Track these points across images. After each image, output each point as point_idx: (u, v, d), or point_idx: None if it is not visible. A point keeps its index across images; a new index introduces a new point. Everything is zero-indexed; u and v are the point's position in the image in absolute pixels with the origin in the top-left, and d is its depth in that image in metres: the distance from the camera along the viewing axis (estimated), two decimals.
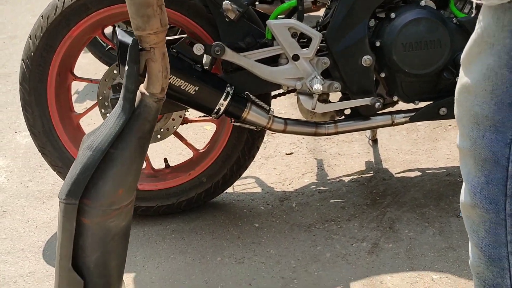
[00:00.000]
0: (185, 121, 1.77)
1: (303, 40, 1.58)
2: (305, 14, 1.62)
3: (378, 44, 1.55)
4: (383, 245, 1.56)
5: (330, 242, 1.59)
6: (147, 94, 1.11)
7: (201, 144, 1.99)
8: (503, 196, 0.75)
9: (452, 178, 1.82)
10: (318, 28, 1.61)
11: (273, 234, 1.65)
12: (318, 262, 1.52)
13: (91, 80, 1.81)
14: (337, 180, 1.88)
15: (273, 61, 1.58)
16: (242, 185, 1.89)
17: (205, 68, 1.58)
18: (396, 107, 1.70)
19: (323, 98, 1.63)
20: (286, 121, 1.63)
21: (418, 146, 2.03)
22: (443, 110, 1.60)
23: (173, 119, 1.70)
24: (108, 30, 1.92)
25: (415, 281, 1.42)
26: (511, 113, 0.72)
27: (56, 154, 1.70)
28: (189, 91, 1.53)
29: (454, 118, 0.82)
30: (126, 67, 1.10)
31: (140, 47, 1.08)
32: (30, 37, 1.63)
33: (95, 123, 2.22)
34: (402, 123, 1.65)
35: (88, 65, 2.87)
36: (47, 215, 1.82)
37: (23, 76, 1.65)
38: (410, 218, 1.66)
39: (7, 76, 2.92)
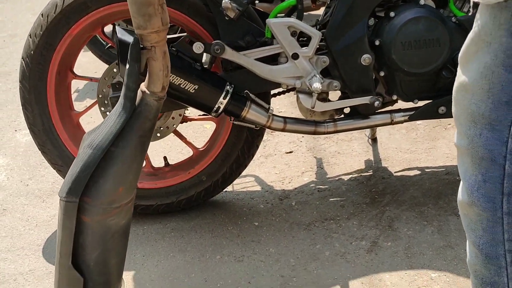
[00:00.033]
0: (185, 119, 1.77)
1: (303, 39, 1.58)
2: (304, 13, 1.63)
3: (377, 43, 1.55)
4: (382, 243, 1.56)
5: (329, 240, 1.59)
6: (148, 92, 1.12)
7: (201, 142, 1.99)
8: (500, 194, 0.76)
9: (451, 177, 1.82)
10: (318, 27, 1.61)
11: (273, 232, 1.65)
12: (317, 260, 1.52)
13: (90, 79, 1.81)
14: (337, 178, 1.89)
15: (272, 59, 1.59)
16: (242, 184, 1.90)
17: (204, 66, 1.58)
18: (396, 106, 1.70)
19: (323, 96, 1.63)
20: (285, 119, 1.64)
21: (417, 145, 2.03)
22: (442, 109, 1.60)
23: (173, 118, 1.71)
24: (108, 28, 1.93)
25: (414, 280, 1.43)
26: (507, 112, 0.72)
27: (56, 152, 1.70)
28: (188, 89, 1.53)
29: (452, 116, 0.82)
30: (127, 66, 1.10)
31: (141, 45, 1.09)
32: (30, 35, 1.63)
33: (95, 122, 2.23)
34: (401, 122, 1.65)
35: (88, 64, 2.88)
36: (47, 213, 1.83)
37: (23, 75, 1.65)
38: (409, 216, 1.66)
39: (7, 75, 2.93)
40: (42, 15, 1.61)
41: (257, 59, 1.56)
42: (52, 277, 1.53)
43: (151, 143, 1.30)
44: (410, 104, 1.65)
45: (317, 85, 1.52)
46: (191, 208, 1.77)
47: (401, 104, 1.70)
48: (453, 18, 1.55)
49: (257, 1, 2.43)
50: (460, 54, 0.78)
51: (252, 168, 1.96)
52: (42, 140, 1.70)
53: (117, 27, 1.57)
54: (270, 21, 1.54)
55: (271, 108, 1.61)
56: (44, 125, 1.68)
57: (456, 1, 1.61)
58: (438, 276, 1.43)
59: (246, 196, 1.84)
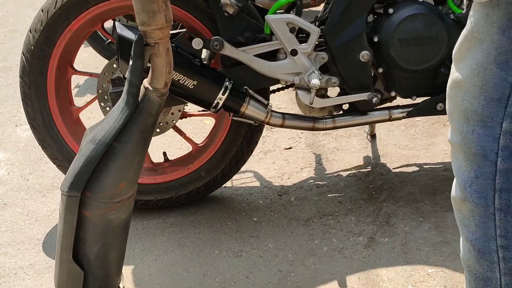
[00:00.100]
0: (184, 115, 1.78)
1: (302, 35, 1.58)
2: (304, 9, 1.63)
3: (376, 39, 1.56)
4: (379, 239, 1.57)
5: (327, 236, 1.60)
6: (151, 88, 1.13)
7: (200, 138, 2.00)
8: (492, 190, 0.76)
9: (449, 173, 1.83)
10: (317, 23, 1.62)
11: (271, 228, 1.66)
12: (315, 255, 1.53)
13: (91, 74, 1.82)
14: (335, 174, 1.89)
15: (271, 56, 1.59)
16: (241, 179, 1.91)
17: (204, 62, 1.59)
18: (394, 102, 1.71)
19: (321, 93, 1.64)
20: (284, 115, 1.64)
21: (416, 141, 2.04)
22: (440, 106, 1.60)
23: (172, 113, 1.71)
24: (108, 24, 1.93)
25: (411, 275, 1.44)
26: (499, 109, 0.73)
27: (56, 147, 1.71)
28: (188, 85, 1.54)
29: None
30: (131, 62, 1.11)
31: (144, 42, 1.09)
32: (30, 30, 1.64)
33: (95, 117, 2.24)
34: (400, 118, 1.66)
35: (89, 59, 2.88)
36: (47, 208, 1.84)
37: (23, 70, 1.66)
38: (406, 212, 1.67)
39: (8, 70, 2.94)
40: (42, 10, 1.62)
41: (256, 55, 1.56)
42: (52, 271, 1.55)
43: None
44: (408, 101, 1.66)
45: (315, 81, 1.53)
46: (190, 203, 1.78)
47: (399, 101, 1.71)
48: (451, 15, 1.55)
49: None
50: (454, 51, 0.79)
51: (251, 163, 1.97)
52: (42, 135, 1.71)
53: (116, 23, 1.57)
54: (269, 17, 1.54)
55: (269, 104, 1.61)
56: (44, 120, 1.69)
57: None
58: (435, 272, 1.44)
59: (245, 191, 1.85)
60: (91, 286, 1.24)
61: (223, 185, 1.81)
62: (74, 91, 2.59)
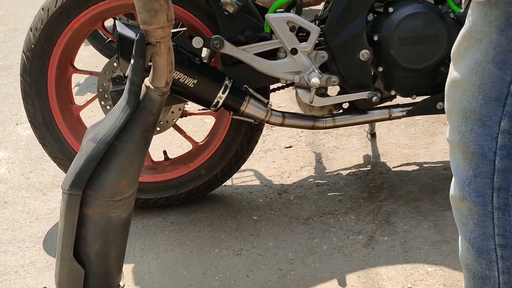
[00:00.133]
0: (185, 114, 1.78)
1: (302, 34, 1.58)
2: (304, 8, 1.63)
3: (376, 38, 1.56)
4: (379, 238, 1.58)
5: (327, 234, 1.61)
6: (152, 87, 1.13)
7: (201, 137, 2.00)
8: (491, 189, 0.77)
9: (449, 172, 1.83)
10: (317, 22, 1.62)
11: (271, 226, 1.66)
12: (315, 254, 1.53)
13: (91, 73, 1.82)
14: (335, 173, 1.90)
15: (271, 54, 1.59)
16: (241, 178, 1.91)
17: (204, 61, 1.59)
18: (394, 101, 1.71)
19: (321, 92, 1.64)
20: (284, 114, 1.65)
21: (416, 140, 2.04)
22: (440, 105, 1.61)
23: (173, 112, 1.72)
24: (108, 22, 1.93)
25: (410, 273, 1.44)
26: (497, 108, 0.73)
27: (56, 145, 1.72)
28: (188, 84, 1.54)
29: None
30: (132, 61, 1.12)
31: (146, 41, 1.10)
32: (30, 29, 1.64)
33: (95, 116, 2.24)
34: (400, 117, 1.66)
35: (89, 58, 2.89)
36: (47, 206, 1.84)
37: (23, 68, 1.66)
38: (406, 211, 1.68)
39: (9, 68, 2.94)
40: (42, 9, 1.62)
41: (256, 54, 1.57)
42: (52, 269, 1.55)
43: None
44: (408, 100, 1.66)
45: (315, 80, 1.53)
46: (190, 202, 1.78)
47: (399, 100, 1.71)
48: (451, 14, 1.55)
49: None
50: (452, 50, 0.79)
51: (251, 162, 1.97)
52: (43, 134, 1.71)
53: (117, 22, 1.58)
54: (269, 16, 1.55)
55: (269, 102, 1.62)
56: (44, 119, 1.70)
57: None
58: (434, 270, 1.44)
59: (245, 190, 1.85)
60: (92, 284, 1.25)
61: (223, 184, 1.81)
62: (74, 90, 2.59)
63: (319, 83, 1.54)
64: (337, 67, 1.59)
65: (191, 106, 2.07)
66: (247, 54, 1.56)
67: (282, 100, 2.38)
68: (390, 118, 1.65)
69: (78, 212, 1.17)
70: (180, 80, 1.53)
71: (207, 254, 1.57)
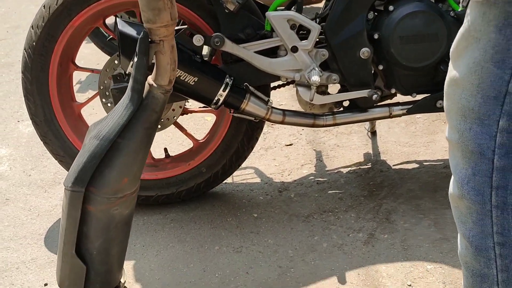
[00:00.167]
0: (185, 111, 1.78)
1: (302, 32, 1.59)
2: (305, 6, 1.63)
3: (376, 36, 1.56)
4: (379, 235, 1.58)
5: (327, 232, 1.61)
6: (155, 85, 1.14)
7: (202, 134, 2.01)
8: (489, 187, 0.77)
9: (449, 171, 1.82)
10: (317, 20, 1.62)
11: (272, 224, 1.67)
12: (315, 251, 1.54)
13: (92, 70, 1.83)
14: (336, 171, 1.90)
15: (272, 52, 1.60)
16: (242, 176, 1.91)
17: (204, 59, 1.59)
18: (394, 99, 1.71)
19: (322, 90, 1.64)
20: (284, 112, 1.65)
21: (416, 138, 2.04)
22: (440, 103, 1.61)
23: (173, 110, 1.72)
24: (109, 20, 1.94)
25: (410, 271, 1.45)
26: (496, 107, 0.73)
27: (57, 143, 1.72)
28: (188, 81, 1.54)
29: None
30: (135, 59, 1.12)
31: (149, 39, 1.10)
32: (32, 26, 1.65)
33: (97, 113, 2.25)
34: (400, 115, 1.66)
35: (91, 55, 2.89)
36: (49, 203, 1.85)
37: (25, 66, 1.67)
38: (406, 209, 1.68)
39: (10, 66, 2.94)
40: (44, 6, 1.63)
41: (256, 52, 1.57)
42: (54, 266, 1.56)
43: None
44: (408, 98, 1.66)
45: (316, 78, 1.53)
46: (190, 199, 1.79)
47: (399, 98, 1.71)
48: (451, 12, 1.55)
49: None
50: (451, 49, 0.79)
51: (252, 160, 1.98)
52: (44, 131, 1.72)
53: (118, 19, 1.58)
54: (270, 14, 1.55)
55: (270, 100, 1.62)
56: (46, 116, 1.70)
57: None
58: (434, 268, 1.45)
59: (245, 188, 1.85)
60: (93, 281, 1.25)
61: (224, 181, 1.82)
62: (75, 87, 2.60)
63: (319, 81, 1.54)
64: (338, 65, 1.59)
65: (192, 104, 2.08)
66: (248, 52, 1.56)
67: (283, 98, 2.38)
68: (390, 116, 1.65)
69: (80, 209, 1.17)
70: (181, 77, 1.54)
71: (207, 251, 1.58)
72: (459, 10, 1.56)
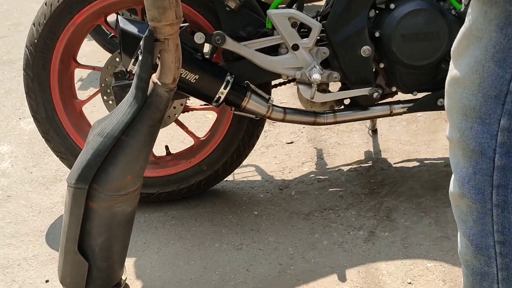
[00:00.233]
0: (186, 109, 1.78)
1: (303, 30, 1.59)
2: (307, 4, 1.63)
3: (377, 34, 1.56)
4: (380, 233, 1.58)
5: (328, 230, 1.61)
6: (160, 84, 1.14)
7: (203, 132, 2.01)
8: (490, 186, 0.77)
9: (450, 169, 1.81)
10: (318, 18, 1.62)
11: (272, 221, 1.67)
12: (315, 249, 1.54)
13: (94, 68, 1.83)
14: (336, 169, 1.90)
15: (273, 50, 1.60)
16: (242, 173, 1.92)
17: (205, 57, 1.59)
18: (395, 98, 1.71)
19: (322, 88, 1.64)
20: (285, 110, 1.65)
21: (417, 137, 2.04)
22: (440, 101, 1.61)
23: (174, 107, 1.72)
24: (111, 18, 1.94)
25: (410, 269, 1.45)
26: (497, 106, 0.73)
27: (59, 140, 1.73)
28: (189, 79, 1.55)
29: None
30: (140, 57, 1.13)
31: (154, 37, 1.11)
32: (33, 24, 1.65)
33: (98, 110, 2.25)
34: (400, 114, 1.66)
35: (92, 53, 2.89)
36: (50, 200, 1.86)
37: (26, 63, 1.67)
38: (407, 207, 1.68)
39: (12, 63, 2.95)
40: (45, 4, 1.63)
41: (257, 50, 1.57)
42: (55, 263, 1.56)
43: None
44: (409, 96, 1.66)
45: (316, 76, 1.53)
46: (191, 196, 1.79)
47: (400, 96, 1.71)
48: (452, 10, 1.55)
49: None
50: (452, 48, 0.79)
51: (253, 158, 1.98)
52: (46, 128, 1.72)
53: (119, 17, 1.58)
54: (271, 12, 1.55)
55: (271, 98, 1.62)
56: (47, 113, 1.70)
57: None
58: (434, 266, 1.45)
59: (246, 185, 1.86)
60: (95, 278, 1.26)
61: (225, 179, 1.82)
62: (77, 85, 2.60)
63: (320, 79, 1.54)
64: (339, 63, 1.59)
65: (193, 102, 2.08)
66: (249, 50, 1.56)
67: (284, 96, 2.38)
68: (391, 114, 1.66)
69: (83, 206, 1.18)
70: (182, 75, 1.54)
71: (207, 248, 1.58)
72: (460, 9, 1.56)
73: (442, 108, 1.62)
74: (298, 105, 1.96)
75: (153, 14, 1.08)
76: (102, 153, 1.14)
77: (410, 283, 1.41)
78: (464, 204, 0.82)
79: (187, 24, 1.64)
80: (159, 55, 1.15)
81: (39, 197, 1.87)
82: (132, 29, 1.50)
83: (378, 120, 2.09)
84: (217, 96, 1.57)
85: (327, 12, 1.59)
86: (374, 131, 2.08)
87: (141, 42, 1.13)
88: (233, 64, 1.60)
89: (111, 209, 1.21)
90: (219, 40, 1.54)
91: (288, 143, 2.07)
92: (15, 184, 1.95)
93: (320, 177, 1.87)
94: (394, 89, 1.64)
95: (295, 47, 1.56)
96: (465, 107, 0.77)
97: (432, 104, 1.62)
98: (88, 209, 1.19)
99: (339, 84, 1.70)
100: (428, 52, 1.54)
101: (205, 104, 1.78)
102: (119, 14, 1.97)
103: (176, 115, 1.74)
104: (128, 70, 1.56)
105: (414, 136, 2.05)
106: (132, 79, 1.62)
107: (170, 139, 2.13)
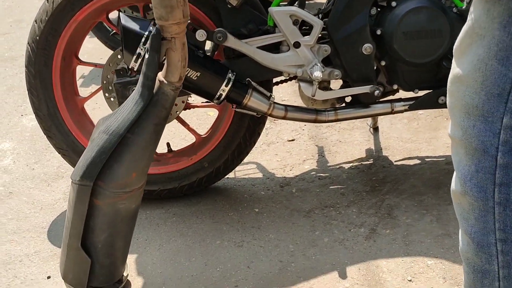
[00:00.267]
0: (188, 106, 1.79)
1: (305, 28, 1.59)
2: (308, 1, 1.63)
3: (379, 32, 1.56)
4: (381, 231, 1.59)
5: (329, 227, 1.62)
6: (166, 82, 1.14)
7: (204, 129, 2.01)
8: (492, 184, 0.77)
9: (451, 167, 1.84)
10: (320, 15, 1.62)
11: (273, 219, 1.67)
12: (316, 246, 1.55)
13: (95, 65, 1.83)
14: (338, 167, 1.90)
15: (274, 48, 1.60)
16: (243, 171, 1.92)
17: (207, 54, 1.59)
18: (396, 95, 1.71)
19: (324, 85, 1.64)
20: (286, 107, 1.65)
21: (418, 134, 2.04)
22: (442, 99, 1.61)
23: (176, 105, 1.72)
24: (113, 15, 1.94)
25: (410, 266, 1.45)
26: (499, 104, 0.74)
27: (61, 137, 1.73)
28: (191, 76, 1.55)
29: None
30: (147, 55, 1.13)
31: (161, 36, 1.11)
32: (35, 21, 1.65)
33: (100, 107, 2.25)
34: (402, 111, 1.66)
35: (94, 50, 2.89)
36: (52, 197, 1.86)
37: (28, 60, 1.67)
38: (409, 205, 1.68)
39: (14, 60, 2.95)
40: (47, 0, 1.63)
41: (259, 47, 1.57)
42: (57, 259, 1.57)
43: None
44: (410, 94, 1.66)
45: (318, 74, 1.53)
46: (193, 193, 1.79)
47: (402, 94, 1.71)
48: (454, 8, 1.55)
49: None
50: (455, 47, 0.79)
51: (254, 155, 1.98)
52: (47, 125, 1.72)
53: (121, 14, 1.58)
54: (273, 9, 1.55)
55: (272, 96, 1.62)
56: (49, 110, 1.71)
57: None
58: (435, 264, 1.45)
59: (247, 182, 1.86)
60: (97, 274, 1.26)
61: (226, 176, 1.82)
62: (79, 82, 2.60)
63: (321, 76, 1.54)
64: (340, 60, 1.59)
65: (194, 99, 2.08)
66: (250, 47, 1.56)
67: (285, 93, 2.38)
68: (392, 112, 1.66)
69: (88, 202, 1.18)
70: None
71: (209, 245, 1.59)
72: (462, 6, 1.56)
73: (443, 106, 1.62)
74: (299, 102, 1.96)
75: (160, 13, 1.09)
76: (107, 151, 1.15)
77: (410, 280, 1.41)
78: (466, 202, 0.82)
79: (188, 21, 1.64)
80: (165, 54, 1.15)
81: (41, 194, 1.88)
82: (134, 26, 1.50)
83: (380, 118, 2.09)
84: (218, 93, 1.57)
85: (329, 10, 1.59)
86: (375, 129, 2.08)
87: (148, 41, 1.13)
88: (235, 61, 1.60)
89: (115, 206, 1.21)
90: (221, 38, 1.54)
91: (289, 141, 2.07)
92: (17, 181, 1.95)
93: (321, 174, 1.87)
94: (395, 87, 1.64)
95: (297, 45, 1.56)
96: (467, 105, 0.77)
97: (433, 102, 1.62)
98: (92, 206, 1.19)
99: (340, 82, 1.70)
100: (429, 50, 1.54)
101: (206, 102, 1.78)
102: (121, 11, 1.97)
103: (177, 112, 1.74)
104: (130, 67, 1.56)
105: (416, 134, 2.05)
106: (134, 76, 1.62)
107: (172, 136, 2.13)
